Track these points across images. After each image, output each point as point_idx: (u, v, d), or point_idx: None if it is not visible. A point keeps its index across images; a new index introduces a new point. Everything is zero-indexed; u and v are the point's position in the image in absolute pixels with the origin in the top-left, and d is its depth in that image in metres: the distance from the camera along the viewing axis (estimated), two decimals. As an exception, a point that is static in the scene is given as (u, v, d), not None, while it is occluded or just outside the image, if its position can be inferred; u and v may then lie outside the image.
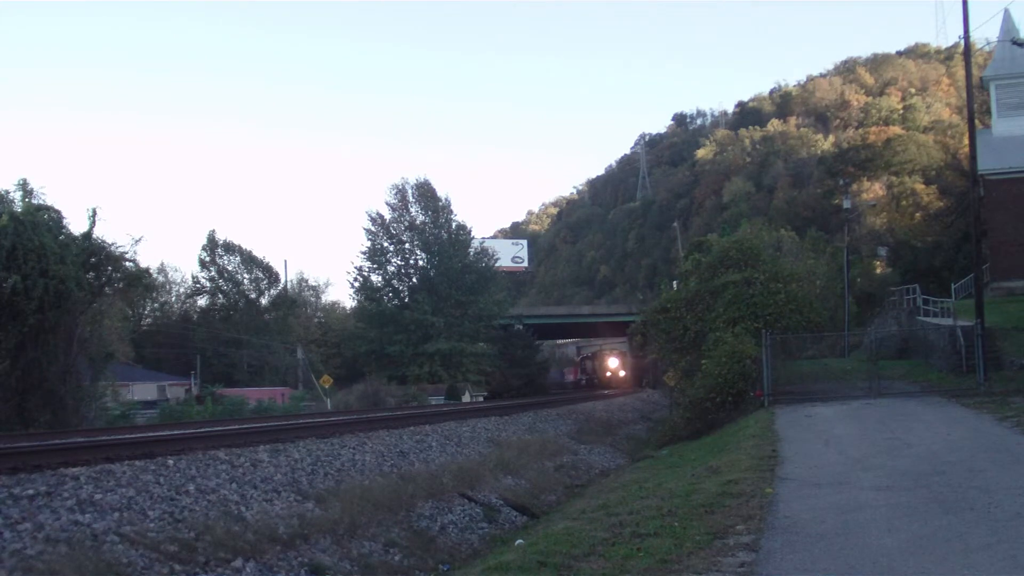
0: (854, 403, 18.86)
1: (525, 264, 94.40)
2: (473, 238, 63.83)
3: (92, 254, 26.78)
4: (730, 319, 25.22)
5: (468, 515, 13.91)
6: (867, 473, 10.11)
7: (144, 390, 46.68)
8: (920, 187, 67.32)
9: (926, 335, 25.86)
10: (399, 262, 61.57)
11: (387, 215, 61.56)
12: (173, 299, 66.04)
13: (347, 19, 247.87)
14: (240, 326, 57.99)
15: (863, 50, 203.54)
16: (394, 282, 61.56)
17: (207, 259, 62.57)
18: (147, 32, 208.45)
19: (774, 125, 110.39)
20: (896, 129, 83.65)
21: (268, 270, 63.82)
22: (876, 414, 16.35)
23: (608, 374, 68.48)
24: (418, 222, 61.40)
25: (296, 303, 65.70)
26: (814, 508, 8.29)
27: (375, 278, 61.72)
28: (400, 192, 61.66)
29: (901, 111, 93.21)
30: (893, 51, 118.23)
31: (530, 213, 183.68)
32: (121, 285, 29.12)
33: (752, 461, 11.83)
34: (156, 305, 62.44)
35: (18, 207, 25.89)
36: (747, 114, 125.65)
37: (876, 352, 23.85)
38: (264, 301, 63.64)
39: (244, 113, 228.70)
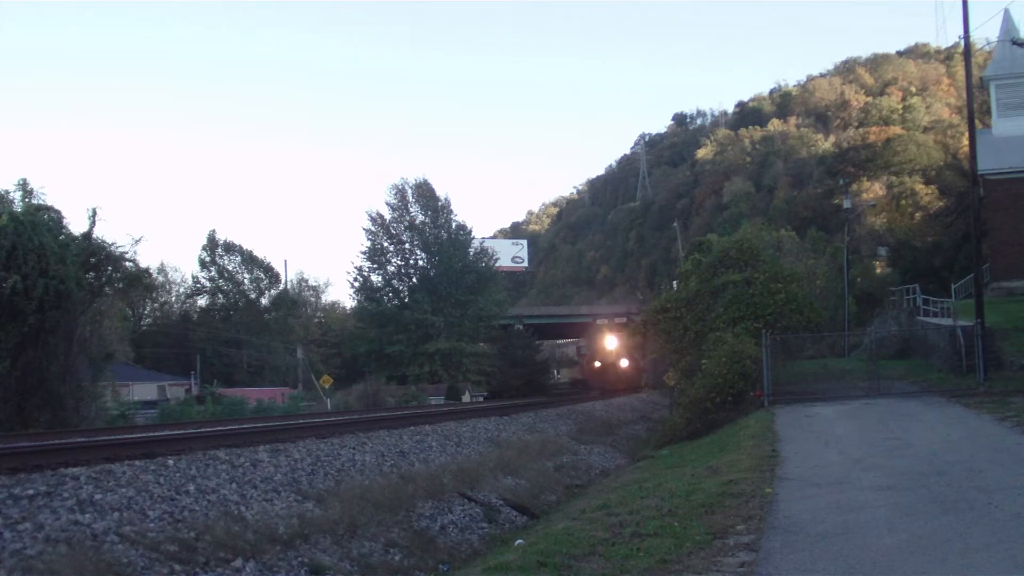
0: (854, 403, 18.85)
1: (525, 264, 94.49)
2: (473, 238, 63.91)
3: (92, 254, 26.81)
4: (730, 319, 25.20)
5: (468, 515, 13.89)
6: (867, 473, 10.10)
7: (144, 390, 46.71)
8: (920, 187, 67.33)
9: (926, 335, 25.86)
10: (399, 262, 61.63)
11: (387, 215, 61.71)
12: (173, 299, 66.19)
13: (347, 20, 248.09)
14: (240, 326, 58.07)
15: (863, 50, 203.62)
16: (394, 282, 61.61)
17: (207, 259, 62.73)
18: (148, 33, 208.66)
19: (774, 125, 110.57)
20: (896, 129, 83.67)
21: (268, 270, 63.94)
22: (876, 414, 16.35)
23: (597, 364, 51.92)
24: (418, 222, 61.45)
25: (296, 303, 65.75)
26: (814, 508, 8.29)
27: (375, 278, 61.89)
28: (400, 192, 61.77)
29: (901, 111, 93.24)
30: (893, 51, 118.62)
31: (530, 213, 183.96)
32: (121, 285, 29.18)
33: (752, 461, 11.83)
34: (156, 305, 62.57)
35: (18, 207, 25.95)
36: (747, 114, 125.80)
37: (876, 352, 23.89)
38: (264, 301, 63.75)
39: (244, 113, 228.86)
